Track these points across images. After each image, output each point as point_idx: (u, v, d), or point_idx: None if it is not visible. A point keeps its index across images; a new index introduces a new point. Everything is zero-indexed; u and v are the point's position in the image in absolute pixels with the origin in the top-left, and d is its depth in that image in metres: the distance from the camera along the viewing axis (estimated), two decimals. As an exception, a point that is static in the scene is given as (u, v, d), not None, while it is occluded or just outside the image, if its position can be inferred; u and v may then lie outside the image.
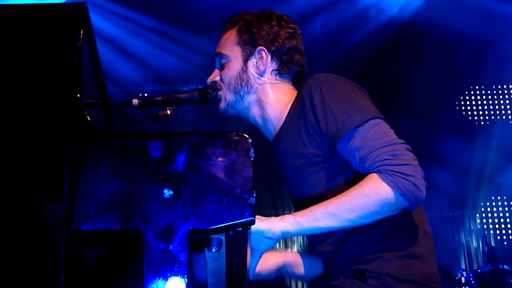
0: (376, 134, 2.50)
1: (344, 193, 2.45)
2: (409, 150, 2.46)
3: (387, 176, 2.36)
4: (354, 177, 2.55)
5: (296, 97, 2.84)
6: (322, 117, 2.58)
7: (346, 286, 2.51)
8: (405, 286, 2.53)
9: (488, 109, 8.05)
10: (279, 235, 2.41)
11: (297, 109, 2.76)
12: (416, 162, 2.42)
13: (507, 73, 7.65)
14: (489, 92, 8.08)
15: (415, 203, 2.40)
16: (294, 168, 2.75)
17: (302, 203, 2.64)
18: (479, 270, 5.40)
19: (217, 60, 2.95)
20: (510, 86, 8.22)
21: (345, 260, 2.64)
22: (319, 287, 2.67)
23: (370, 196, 2.39)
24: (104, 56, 6.95)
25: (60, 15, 1.98)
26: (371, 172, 2.42)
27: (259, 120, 2.93)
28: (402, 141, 2.49)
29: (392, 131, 2.54)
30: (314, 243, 2.77)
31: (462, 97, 7.84)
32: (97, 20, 7.09)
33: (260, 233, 2.38)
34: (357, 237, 2.60)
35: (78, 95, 1.91)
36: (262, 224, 2.37)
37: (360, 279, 2.52)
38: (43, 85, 1.90)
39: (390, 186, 2.35)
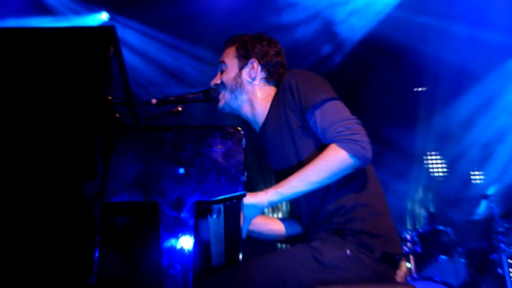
0: (334, 111, 2.60)
1: (311, 163, 2.51)
2: (358, 123, 2.55)
3: (342, 143, 2.47)
4: (322, 147, 2.60)
5: (277, 91, 2.90)
6: (296, 95, 2.69)
7: (328, 240, 2.55)
8: (377, 241, 2.57)
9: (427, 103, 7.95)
10: (266, 205, 2.47)
11: (278, 96, 2.85)
12: (363, 132, 2.52)
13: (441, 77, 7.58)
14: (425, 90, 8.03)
15: (364, 161, 2.51)
16: (279, 143, 2.79)
17: (284, 173, 2.67)
18: (421, 230, 5.44)
19: (219, 67, 2.99)
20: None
21: (324, 218, 2.66)
22: (305, 240, 2.68)
23: (331, 160, 2.48)
24: (129, 63, 7.03)
25: (95, 35, 1.99)
26: (331, 141, 2.52)
27: (249, 116, 2.96)
28: (354, 117, 2.58)
29: (347, 110, 2.64)
30: (301, 202, 2.79)
31: (406, 95, 7.76)
32: (125, 36, 7.12)
33: (252, 206, 2.43)
34: (335, 194, 2.63)
35: (109, 97, 1.92)
36: (252, 199, 2.42)
37: (341, 236, 2.56)
38: (82, 89, 1.90)
39: (345, 150, 2.45)
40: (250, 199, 2.43)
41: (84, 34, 2.00)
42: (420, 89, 7.65)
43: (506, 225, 5.38)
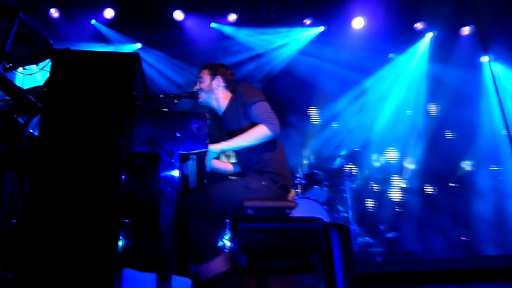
0: (263, 107, 2.61)
1: (248, 132, 2.54)
2: (275, 115, 2.59)
3: (266, 123, 2.52)
4: (253, 124, 2.60)
5: (234, 94, 2.86)
6: (243, 97, 2.68)
7: (254, 176, 2.59)
8: (280, 178, 2.61)
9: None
10: (219, 151, 2.51)
11: (235, 97, 2.80)
12: (277, 119, 2.57)
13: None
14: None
15: (276, 135, 2.56)
16: (232, 121, 2.77)
17: (232, 136, 2.67)
18: (305, 172, 5.50)
19: (198, 80, 2.92)
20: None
21: (252, 164, 2.67)
22: (241, 176, 2.72)
23: (259, 131, 2.52)
24: (149, 73, 6.89)
25: (128, 57, 1.92)
26: (259, 122, 2.56)
27: (216, 107, 2.92)
28: (273, 111, 2.61)
29: (269, 107, 2.65)
30: (240, 156, 2.80)
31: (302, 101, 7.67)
32: (149, 57, 6.95)
33: (211, 150, 2.46)
34: (258, 153, 2.64)
35: (134, 93, 1.87)
36: (212, 146, 2.45)
37: (260, 174, 2.59)
38: (119, 88, 1.84)
39: (267, 127, 2.51)
40: (211, 146, 2.47)
41: (122, 56, 1.93)
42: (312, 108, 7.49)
43: (349, 171, 5.54)
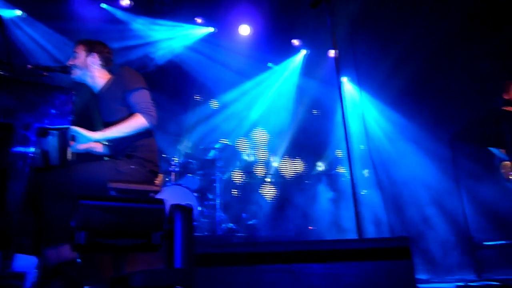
0: (143, 96, 2.52)
1: (125, 121, 2.43)
2: (153, 105, 2.52)
3: (144, 114, 2.44)
4: (130, 113, 2.49)
5: (114, 75, 2.66)
6: (124, 81, 2.54)
7: (124, 159, 2.47)
8: (148, 163, 2.52)
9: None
10: (93, 140, 2.41)
11: (115, 79, 2.62)
12: (155, 110, 2.50)
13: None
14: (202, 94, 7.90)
15: (153, 126, 2.49)
16: (109, 106, 2.57)
17: (108, 124, 2.50)
18: (181, 161, 5.38)
19: (73, 55, 2.66)
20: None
21: (123, 148, 2.53)
22: (113, 158, 2.56)
23: (136, 122, 2.43)
24: (28, 45, 6.04)
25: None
26: (137, 112, 2.46)
27: (91, 83, 2.68)
28: (152, 101, 2.53)
29: (149, 96, 2.55)
30: (113, 143, 2.61)
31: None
32: (27, 26, 6.08)
33: (86, 137, 2.36)
34: (130, 138, 2.48)
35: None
36: (88, 133, 2.36)
37: (130, 158, 2.48)
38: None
39: (145, 118, 2.44)
40: (86, 132, 2.35)
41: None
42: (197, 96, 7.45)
43: (222, 163, 5.62)
